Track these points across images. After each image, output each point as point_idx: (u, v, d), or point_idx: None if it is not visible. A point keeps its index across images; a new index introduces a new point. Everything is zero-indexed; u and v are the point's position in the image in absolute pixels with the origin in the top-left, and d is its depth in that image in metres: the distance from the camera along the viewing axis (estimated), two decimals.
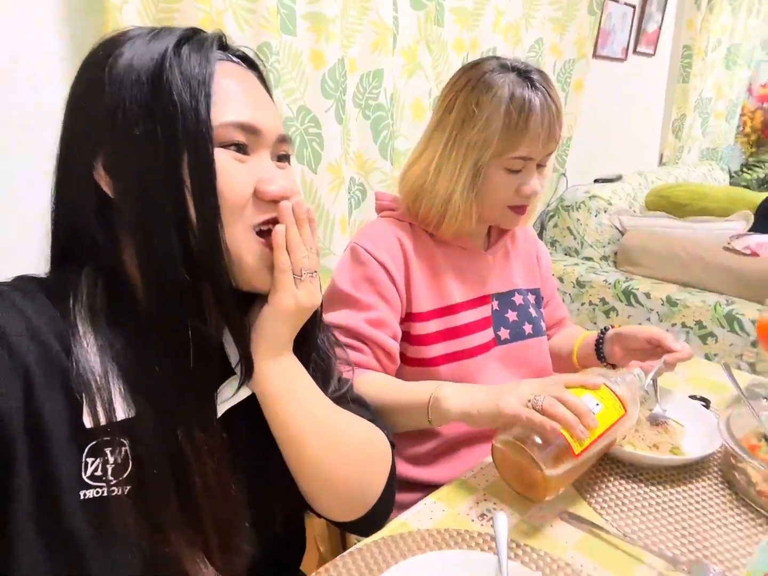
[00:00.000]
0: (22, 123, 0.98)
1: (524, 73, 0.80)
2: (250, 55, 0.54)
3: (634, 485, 0.72)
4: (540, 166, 0.84)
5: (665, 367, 0.83)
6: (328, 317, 0.83)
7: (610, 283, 2.12)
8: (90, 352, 0.46)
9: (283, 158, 0.54)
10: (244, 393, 0.53)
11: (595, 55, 2.38)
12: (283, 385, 0.53)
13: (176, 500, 0.48)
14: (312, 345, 0.58)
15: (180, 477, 0.48)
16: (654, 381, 0.81)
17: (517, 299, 0.96)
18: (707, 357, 1.91)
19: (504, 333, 0.93)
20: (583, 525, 0.63)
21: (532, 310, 0.97)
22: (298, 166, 1.34)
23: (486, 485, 0.71)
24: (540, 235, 2.52)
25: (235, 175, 0.47)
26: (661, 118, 3.23)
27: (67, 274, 0.49)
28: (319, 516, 0.61)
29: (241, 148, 0.48)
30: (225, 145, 0.47)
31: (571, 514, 0.65)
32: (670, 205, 2.39)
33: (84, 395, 0.45)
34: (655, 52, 2.87)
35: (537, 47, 1.97)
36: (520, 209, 0.85)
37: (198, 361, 0.48)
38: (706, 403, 0.90)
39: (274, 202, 0.49)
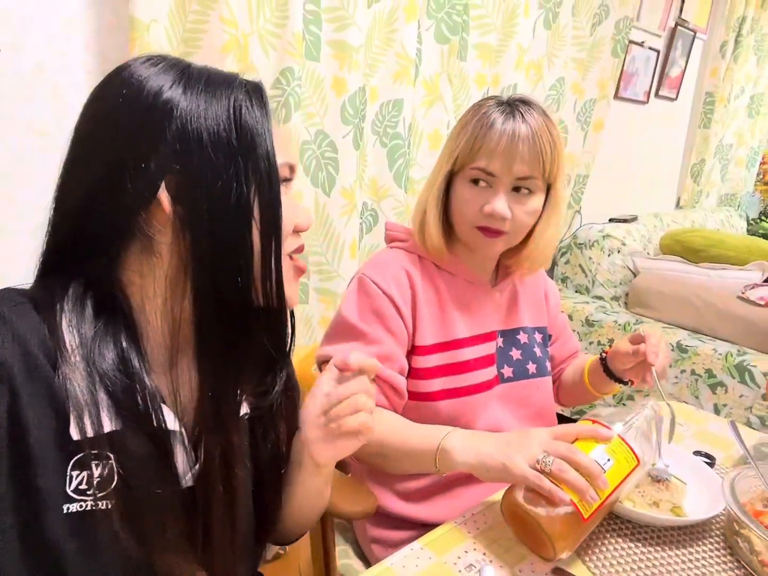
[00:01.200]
0: (42, 131, 1.00)
1: (511, 103, 0.82)
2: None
3: (632, 544, 0.69)
4: (517, 191, 0.81)
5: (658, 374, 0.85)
6: (334, 349, 0.82)
7: (620, 325, 2.09)
8: (77, 365, 0.46)
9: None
10: (243, 408, 0.56)
11: (616, 97, 2.39)
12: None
13: (161, 512, 0.48)
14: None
15: (162, 487, 0.48)
16: (658, 433, 0.79)
17: (522, 337, 0.94)
18: (716, 407, 1.87)
19: (507, 371, 0.91)
20: None
21: (537, 350, 0.96)
22: (312, 188, 1.34)
23: (476, 533, 0.68)
24: (551, 270, 2.51)
25: (287, 209, 0.52)
26: (680, 162, 3.23)
27: (54, 286, 0.49)
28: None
29: (285, 183, 0.53)
30: (281, 182, 0.52)
31: (564, 571, 0.62)
32: (685, 250, 2.36)
33: (71, 407, 0.45)
34: (677, 97, 2.88)
35: (558, 85, 1.98)
36: (487, 231, 0.82)
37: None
38: (711, 460, 0.87)
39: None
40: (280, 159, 0.51)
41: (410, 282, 0.86)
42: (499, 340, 0.92)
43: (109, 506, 0.46)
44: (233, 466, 0.53)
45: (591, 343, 2.17)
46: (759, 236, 3.51)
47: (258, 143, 0.49)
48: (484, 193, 0.81)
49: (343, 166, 1.36)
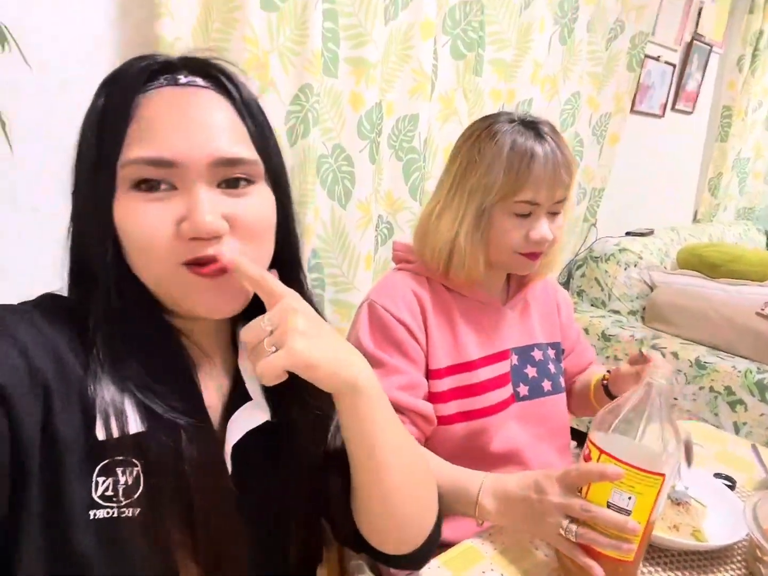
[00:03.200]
0: (65, 150, 1.02)
1: (530, 124, 0.81)
2: (215, 72, 0.50)
3: (651, 568, 0.68)
4: (553, 213, 0.83)
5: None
6: None
7: (637, 339, 2.07)
8: (106, 371, 0.46)
9: (235, 183, 0.48)
10: (262, 417, 0.52)
11: (632, 110, 2.39)
12: (372, 377, 0.52)
13: (185, 522, 0.48)
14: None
15: (186, 497, 0.48)
16: (685, 453, 0.77)
17: (537, 354, 0.94)
18: (736, 426, 1.84)
19: (523, 389, 0.90)
20: None
21: (551, 366, 0.95)
22: (328, 201, 1.36)
23: (493, 554, 0.68)
24: (567, 284, 2.49)
25: (139, 219, 0.45)
26: (697, 175, 3.20)
27: (85, 290, 0.49)
28: (360, 549, 0.59)
29: (154, 186, 0.45)
30: (137, 184, 0.45)
31: None
32: (703, 264, 2.34)
33: (98, 407, 0.45)
34: (693, 110, 2.86)
35: (574, 100, 1.98)
36: (532, 256, 0.84)
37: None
38: (732, 483, 0.86)
39: (201, 239, 0.45)
40: (134, 154, 0.45)
41: (420, 305, 0.85)
42: (514, 358, 0.91)
43: (136, 513, 0.46)
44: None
45: (608, 357, 2.15)
46: None
47: (84, 145, 0.48)
48: (525, 221, 0.81)
49: (359, 179, 1.37)
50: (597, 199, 2.32)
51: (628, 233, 2.53)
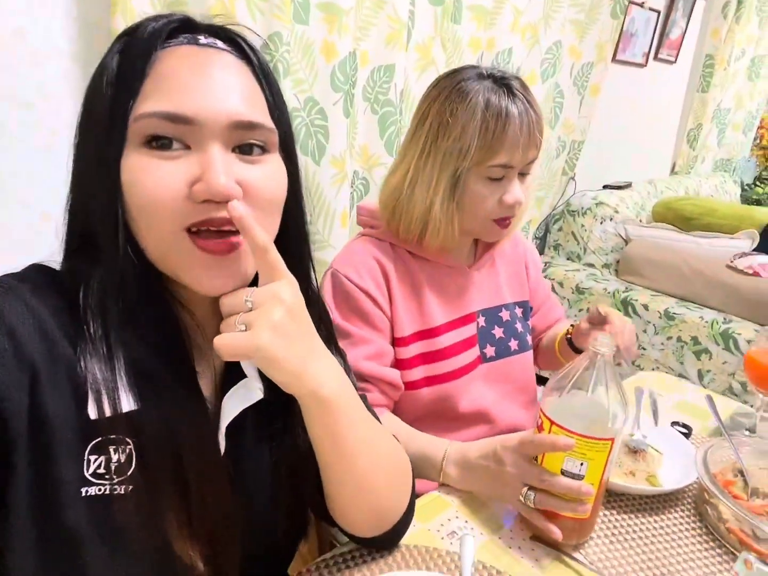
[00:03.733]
0: (23, 99, 0.98)
1: (501, 81, 0.78)
2: (235, 36, 0.49)
3: (607, 512, 0.72)
4: (522, 174, 0.82)
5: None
6: None
7: (609, 292, 2.12)
8: (97, 346, 0.45)
9: (249, 149, 0.46)
10: (256, 396, 0.51)
11: (614, 60, 2.34)
12: (339, 390, 0.50)
13: (177, 499, 0.47)
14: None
15: (179, 475, 0.47)
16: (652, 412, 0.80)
17: (504, 315, 0.95)
18: (700, 373, 1.92)
19: (490, 350, 0.92)
20: (550, 550, 0.64)
21: (518, 325, 0.96)
22: (301, 157, 1.32)
23: (459, 503, 0.71)
24: (544, 238, 2.51)
25: (149, 177, 0.43)
26: (676, 127, 3.19)
27: (79, 264, 0.47)
28: (335, 525, 0.60)
29: (166, 144, 0.43)
30: (148, 141, 0.43)
31: (541, 539, 0.65)
32: (677, 218, 2.37)
33: (90, 386, 0.44)
34: (676, 60, 2.82)
35: (555, 49, 1.93)
36: (503, 221, 0.83)
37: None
38: (689, 430, 0.91)
39: (214, 201, 0.43)
40: (148, 108, 0.43)
41: (384, 274, 0.84)
42: (481, 320, 0.92)
43: (128, 491, 0.46)
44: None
45: (581, 310, 2.20)
46: (752, 202, 3.52)
47: (96, 98, 0.45)
48: (499, 185, 0.80)
49: (333, 134, 1.33)
50: (576, 152, 2.31)
51: (605, 186, 2.54)
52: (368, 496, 0.55)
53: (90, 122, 0.46)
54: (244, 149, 0.46)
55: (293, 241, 0.53)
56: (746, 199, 3.52)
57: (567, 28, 1.96)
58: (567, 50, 2.00)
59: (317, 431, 0.51)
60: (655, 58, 2.66)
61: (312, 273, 0.57)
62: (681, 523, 0.72)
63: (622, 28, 2.25)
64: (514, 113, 0.76)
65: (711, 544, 0.69)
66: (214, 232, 0.45)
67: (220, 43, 0.48)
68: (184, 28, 0.47)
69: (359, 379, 0.80)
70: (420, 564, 0.61)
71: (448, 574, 0.59)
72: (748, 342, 1.80)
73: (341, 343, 0.76)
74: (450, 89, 0.78)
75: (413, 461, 0.67)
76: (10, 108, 0.96)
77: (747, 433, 0.91)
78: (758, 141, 3.82)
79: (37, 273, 0.48)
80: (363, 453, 0.53)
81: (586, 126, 2.27)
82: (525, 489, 0.64)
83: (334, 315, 0.82)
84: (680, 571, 0.64)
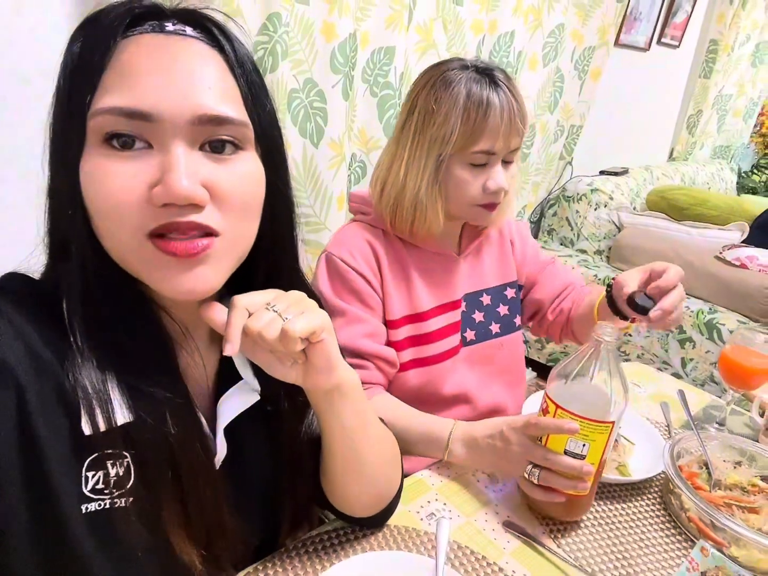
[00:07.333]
0: (22, 75, 0.98)
1: (484, 71, 0.81)
2: (206, 22, 0.45)
3: None
4: (506, 162, 0.84)
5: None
6: None
7: (599, 279, 2.15)
8: (86, 358, 0.43)
9: (220, 146, 0.43)
10: (253, 398, 0.52)
11: (617, 43, 2.32)
12: (356, 380, 0.53)
13: (176, 504, 0.48)
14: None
15: (177, 481, 0.47)
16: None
17: (485, 299, 0.98)
18: (683, 361, 1.97)
19: (470, 334, 0.95)
20: (519, 535, 0.69)
21: (501, 308, 0.99)
22: (300, 139, 1.33)
23: (439, 485, 0.76)
24: (538, 222, 2.53)
25: (107, 179, 0.40)
26: (676, 113, 3.18)
27: (60, 272, 0.45)
28: (325, 507, 0.63)
29: (128, 143, 0.40)
30: (107, 139, 0.40)
31: (513, 523, 0.70)
32: (670, 207, 2.39)
33: (82, 401, 0.43)
34: (680, 44, 2.79)
35: (557, 32, 1.92)
36: (489, 206, 0.85)
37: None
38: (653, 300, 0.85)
39: (176, 205, 0.40)
40: (104, 104, 0.39)
41: (376, 257, 0.87)
42: (463, 305, 0.95)
43: (128, 503, 0.45)
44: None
45: None
46: (748, 190, 3.53)
47: (57, 91, 0.42)
48: (482, 172, 0.82)
49: (331, 116, 1.34)
50: (575, 137, 2.31)
51: (602, 172, 2.55)
52: (371, 479, 0.59)
53: (54, 117, 0.43)
54: (215, 146, 0.43)
55: (278, 244, 0.52)
56: (742, 187, 3.53)
57: (570, 11, 1.94)
58: (569, 34, 1.99)
59: (332, 421, 0.53)
60: (659, 42, 2.64)
61: (299, 264, 0.56)
62: (646, 511, 0.76)
63: (626, 11, 2.23)
64: (495, 102, 0.79)
65: (672, 531, 0.73)
66: (179, 235, 0.41)
67: (189, 30, 0.43)
68: (150, 14, 0.43)
69: (357, 356, 0.84)
70: (400, 543, 0.65)
71: (425, 554, 0.64)
72: (731, 332, 1.85)
73: (337, 322, 0.79)
74: (435, 78, 0.82)
75: (417, 439, 0.73)
76: (9, 81, 0.97)
77: (716, 426, 0.96)
78: (758, 128, 3.81)
79: (15, 283, 0.46)
80: (368, 438, 0.56)
81: (586, 111, 2.27)
82: (529, 466, 0.69)
83: (330, 295, 0.85)
84: (641, 555, 0.69)
